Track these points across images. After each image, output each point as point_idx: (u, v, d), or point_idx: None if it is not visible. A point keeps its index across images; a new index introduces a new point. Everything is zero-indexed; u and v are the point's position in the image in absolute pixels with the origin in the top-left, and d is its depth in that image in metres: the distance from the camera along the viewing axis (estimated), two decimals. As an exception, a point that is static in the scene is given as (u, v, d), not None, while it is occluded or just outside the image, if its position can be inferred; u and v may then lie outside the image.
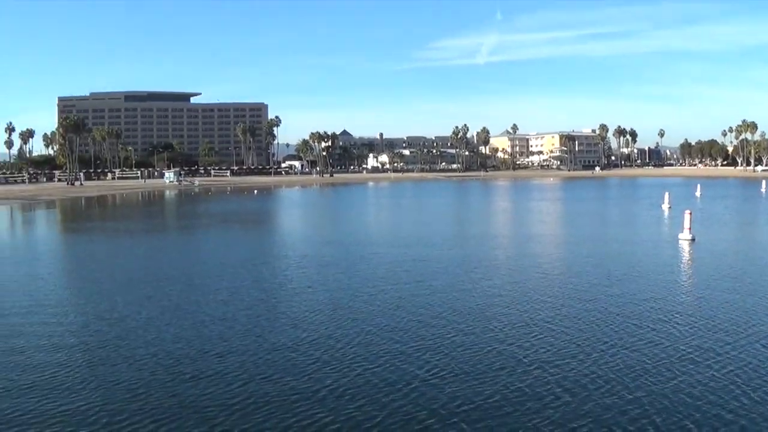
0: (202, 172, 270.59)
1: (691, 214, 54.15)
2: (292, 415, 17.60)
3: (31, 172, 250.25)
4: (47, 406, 18.37)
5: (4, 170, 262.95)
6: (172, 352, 23.33)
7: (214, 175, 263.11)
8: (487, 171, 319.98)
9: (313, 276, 39.23)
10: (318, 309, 29.83)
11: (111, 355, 23.24)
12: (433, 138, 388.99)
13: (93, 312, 30.19)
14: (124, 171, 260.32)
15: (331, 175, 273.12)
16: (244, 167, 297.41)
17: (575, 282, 36.15)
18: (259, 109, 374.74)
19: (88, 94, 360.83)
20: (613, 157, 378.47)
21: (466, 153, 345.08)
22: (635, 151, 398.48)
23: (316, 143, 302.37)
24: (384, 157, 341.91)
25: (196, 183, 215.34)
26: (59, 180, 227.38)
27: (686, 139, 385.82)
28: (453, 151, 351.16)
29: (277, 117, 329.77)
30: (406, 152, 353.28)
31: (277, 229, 79.56)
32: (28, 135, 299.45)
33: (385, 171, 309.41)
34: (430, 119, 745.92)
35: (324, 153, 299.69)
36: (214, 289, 35.45)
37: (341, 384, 19.87)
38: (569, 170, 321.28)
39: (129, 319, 28.46)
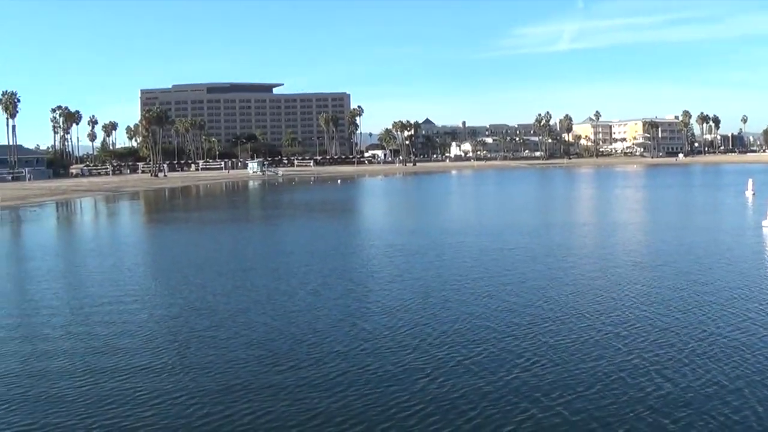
0: (286, 162, 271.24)
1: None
2: (394, 403, 17.52)
3: (115, 164, 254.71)
4: (141, 394, 18.52)
5: (88, 162, 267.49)
6: (265, 343, 23.38)
7: (298, 165, 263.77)
8: (570, 158, 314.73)
9: (402, 265, 39.08)
10: (410, 298, 29.72)
11: (203, 346, 23.29)
12: (516, 126, 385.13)
13: (183, 303, 30.48)
14: (208, 162, 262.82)
15: (414, 164, 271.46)
16: (327, 157, 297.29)
17: (665, 270, 35.62)
18: (342, 99, 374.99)
19: (170, 87, 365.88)
20: (696, 144, 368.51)
21: (549, 140, 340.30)
22: (718, 137, 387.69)
23: (398, 132, 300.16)
24: (467, 146, 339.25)
25: (280, 173, 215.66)
26: (143, 171, 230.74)
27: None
28: (536, 138, 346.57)
29: (359, 107, 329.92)
30: (489, 140, 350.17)
31: (363, 218, 79.46)
32: (111, 127, 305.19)
33: (467, 159, 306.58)
34: (512, 107, 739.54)
35: (407, 142, 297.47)
36: (303, 278, 35.52)
37: (441, 373, 19.64)
38: (652, 157, 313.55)
39: (220, 310, 28.65)
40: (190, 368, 20.69)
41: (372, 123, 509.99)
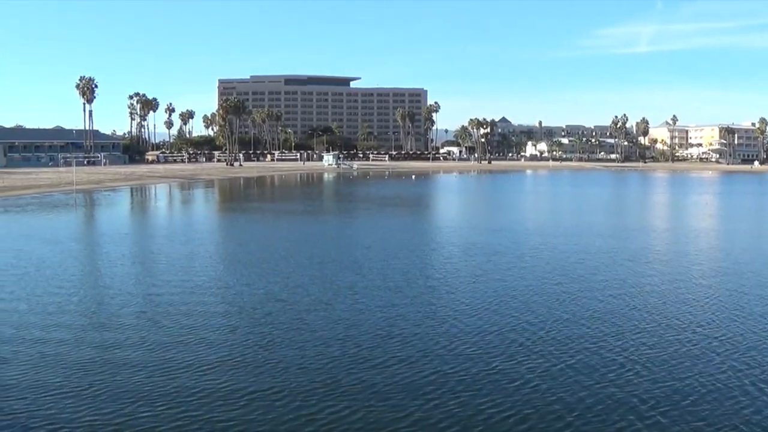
0: (361, 156, 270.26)
1: None
2: (486, 408, 17.22)
3: (191, 152, 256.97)
4: (229, 384, 18.59)
5: (164, 150, 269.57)
6: (349, 339, 23.13)
7: (373, 159, 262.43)
8: (645, 162, 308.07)
9: (483, 265, 38.54)
10: (493, 300, 29.18)
11: (286, 340, 23.09)
12: (592, 127, 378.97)
13: (263, 294, 30.41)
14: (284, 153, 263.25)
15: (489, 162, 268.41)
16: (403, 152, 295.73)
17: (751, 279, 34.82)
18: (419, 95, 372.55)
19: (248, 77, 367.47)
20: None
21: (625, 143, 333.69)
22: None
23: (474, 129, 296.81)
24: (542, 145, 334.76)
25: (355, 166, 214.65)
26: (218, 160, 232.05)
27: None
28: (612, 140, 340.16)
29: (436, 103, 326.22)
30: (565, 141, 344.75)
31: (438, 215, 78.96)
32: (188, 116, 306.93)
33: (543, 159, 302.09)
34: (589, 108, 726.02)
35: (483, 139, 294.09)
36: (384, 274, 35.19)
37: (531, 380, 19.27)
38: (728, 164, 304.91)
39: (301, 303, 28.49)
40: (274, 363, 20.50)
41: (448, 119, 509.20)
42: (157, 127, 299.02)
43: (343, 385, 18.54)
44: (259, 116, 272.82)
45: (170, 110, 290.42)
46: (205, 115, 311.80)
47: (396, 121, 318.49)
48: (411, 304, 27.98)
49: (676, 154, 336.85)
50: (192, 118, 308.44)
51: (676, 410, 17.00)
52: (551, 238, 50.29)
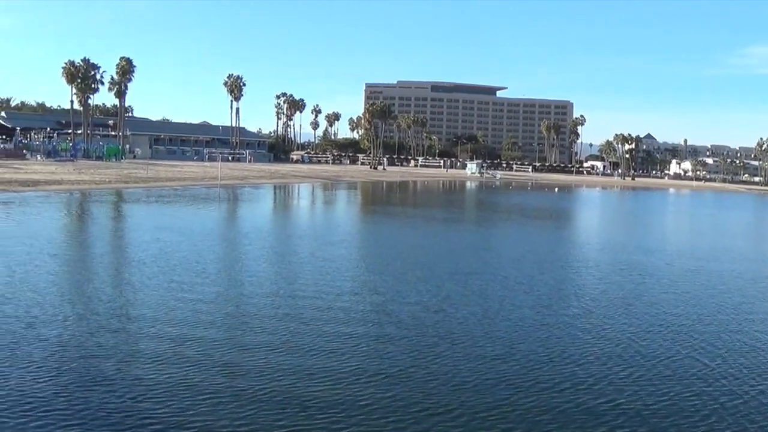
0: (504, 165, 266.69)
1: None
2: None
3: (335, 153, 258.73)
4: (374, 396, 17.63)
5: (309, 150, 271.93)
6: (510, 355, 21.80)
7: (516, 170, 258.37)
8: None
9: (637, 287, 35.87)
10: (655, 322, 27.08)
11: (439, 351, 21.88)
12: (737, 148, 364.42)
13: (414, 302, 29.12)
14: (427, 159, 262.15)
15: (633, 179, 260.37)
16: (546, 164, 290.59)
17: None
18: (565, 107, 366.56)
19: (395, 82, 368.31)
20: None
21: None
22: None
23: (619, 145, 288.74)
24: (687, 164, 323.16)
25: (498, 176, 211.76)
26: (362, 163, 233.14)
27: None
28: (756, 163, 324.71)
29: (582, 116, 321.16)
30: (709, 161, 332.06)
31: (583, 230, 76.25)
32: (334, 118, 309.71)
33: (686, 178, 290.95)
34: (734, 128, 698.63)
35: (627, 155, 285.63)
36: (533, 290, 33.40)
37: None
38: None
39: (450, 316, 26.94)
40: (425, 378, 19.22)
41: (592, 133, 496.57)
42: (302, 127, 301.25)
43: (504, 407, 17.27)
44: (404, 121, 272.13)
45: (316, 111, 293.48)
46: (351, 118, 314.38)
47: (541, 133, 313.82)
48: (569, 325, 26.11)
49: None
50: (338, 120, 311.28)
51: None
52: (705, 263, 46.70)
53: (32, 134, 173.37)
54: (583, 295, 32.37)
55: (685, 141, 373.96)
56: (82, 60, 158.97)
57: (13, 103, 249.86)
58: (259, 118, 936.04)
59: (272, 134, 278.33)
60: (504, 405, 17.41)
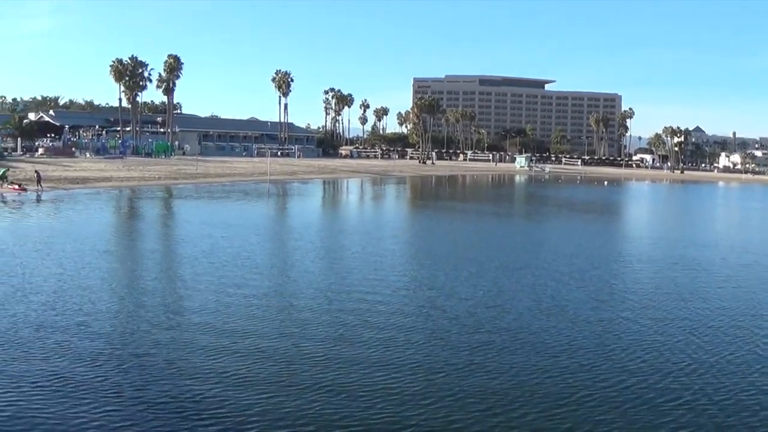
0: (553, 159, 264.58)
1: None
2: None
3: (384, 148, 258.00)
4: (431, 386, 17.30)
5: (357, 145, 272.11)
6: (571, 349, 21.31)
7: (565, 163, 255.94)
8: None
9: (692, 282, 34.98)
10: (708, 320, 26.18)
11: (496, 344, 21.58)
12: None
13: (468, 296, 28.78)
14: (476, 153, 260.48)
15: (682, 172, 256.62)
16: (595, 157, 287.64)
17: None
18: (613, 100, 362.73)
19: (443, 77, 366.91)
20: None
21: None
22: None
23: (668, 138, 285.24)
24: (736, 157, 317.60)
25: (547, 170, 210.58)
26: (411, 158, 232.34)
27: None
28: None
29: (630, 109, 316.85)
30: (758, 153, 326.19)
31: (635, 224, 74.88)
32: (382, 113, 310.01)
33: (736, 171, 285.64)
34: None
35: (676, 149, 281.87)
36: (587, 284, 32.89)
37: None
38: None
39: (507, 309, 26.55)
40: (481, 374, 18.73)
41: (641, 126, 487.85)
42: (351, 122, 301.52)
43: (567, 404, 16.75)
44: (452, 115, 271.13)
45: (365, 106, 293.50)
46: (399, 113, 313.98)
47: (590, 126, 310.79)
48: (626, 320, 25.57)
49: None
50: (386, 115, 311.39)
51: None
52: (759, 257, 45.30)
53: (81, 132, 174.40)
54: (637, 291, 31.61)
55: (734, 134, 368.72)
56: (129, 58, 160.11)
57: (61, 102, 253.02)
58: (308, 113, 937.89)
59: (321, 129, 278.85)
60: (567, 403, 16.99)
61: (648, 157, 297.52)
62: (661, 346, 22.06)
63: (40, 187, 74.65)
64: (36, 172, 79.49)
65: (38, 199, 66.92)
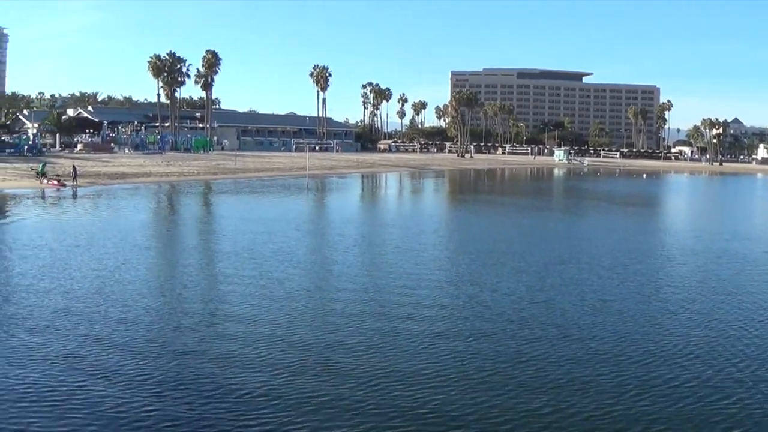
0: (592, 152, 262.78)
1: None
2: None
3: (422, 142, 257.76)
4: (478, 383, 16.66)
5: (396, 139, 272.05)
6: (611, 350, 20.71)
7: (604, 156, 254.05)
8: None
9: (727, 274, 34.23)
10: (756, 315, 25.43)
11: (541, 342, 21.12)
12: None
13: (511, 291, 28.56)
14: (514, 146, 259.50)
15: (721, 164, 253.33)
16: (634, 150, 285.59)
17: None
18: (651, 92, 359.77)
19: (480, 70, 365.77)
20: None
21: None
22: None
23: (707, 130, 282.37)
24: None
25: (585, 163, 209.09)
26: (449, 151, 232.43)
27: None
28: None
29: (669, 101, 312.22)
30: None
31: (677, 216, 73.80)
32: (420, 107, 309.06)
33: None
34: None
35: (714, 140, 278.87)
36: (626, 278, 32.40)
37: None
38: None
39: (550, 306, 26.13)
40: (527, 371, 18.35)
41: (680, 118, 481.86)
42: (389, 116, 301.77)
43: (621, 407, 16.15)
44: (491, 109, 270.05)
45: (403, 100, 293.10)
46: (437, 107, 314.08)
47: (628, 119, 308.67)
48: (673, 314, 25.09)
49: None
50: (424, 108, 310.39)
51: None
52: None
53: (120, 128, 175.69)
54: (682, 285, 31.02)
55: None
56: (167, 54, 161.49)
57: (100, 98, 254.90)
58: (346, 108, 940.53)
59: (359, 124, 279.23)
60: (620, 399, 16.65)
61: (687, 150, 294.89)
62: (712, 340, 21.58)
63: (75, 182, 75.47)
64: (73, 167, 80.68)
65: (74, 195, 67.43)
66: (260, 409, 15.38)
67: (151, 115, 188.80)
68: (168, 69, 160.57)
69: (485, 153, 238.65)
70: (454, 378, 17.53)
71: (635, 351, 20.34)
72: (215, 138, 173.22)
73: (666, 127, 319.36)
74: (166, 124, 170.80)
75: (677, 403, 16.49)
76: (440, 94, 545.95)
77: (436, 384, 17.10)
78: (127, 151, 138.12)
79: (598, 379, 17.86)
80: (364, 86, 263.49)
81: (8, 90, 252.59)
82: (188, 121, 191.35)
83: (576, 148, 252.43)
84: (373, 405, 15.72)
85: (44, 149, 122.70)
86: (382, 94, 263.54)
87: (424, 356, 19.14)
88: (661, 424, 15.36)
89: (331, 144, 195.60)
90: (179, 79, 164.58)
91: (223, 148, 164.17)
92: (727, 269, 35.50)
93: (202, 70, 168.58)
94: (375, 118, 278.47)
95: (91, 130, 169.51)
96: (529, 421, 15.23)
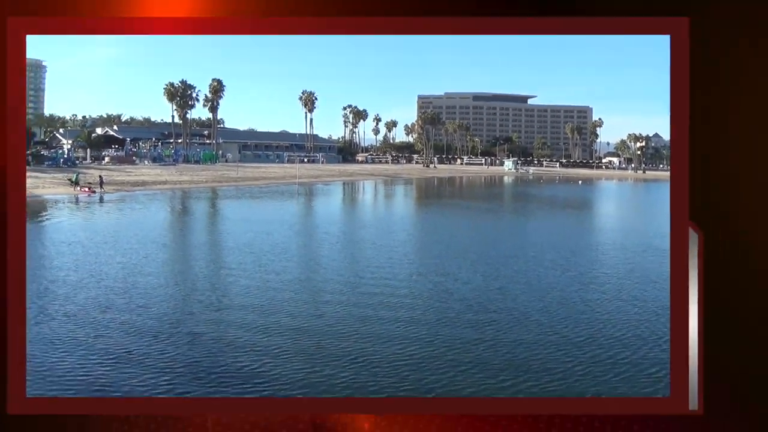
0: (536, 162, 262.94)
1: None
2: None
3: (394, 154, 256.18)
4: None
5: (371, 152, 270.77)
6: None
7: (546, 166, 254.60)
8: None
9: (656, 268, 32.17)
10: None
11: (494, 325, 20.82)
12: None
13: (464, 279, 28.34)
14: (471, 158, 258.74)
15: (644, 172, 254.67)
16: (571, 160, 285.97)
17: None
18: (585, 112, 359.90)
19: (442, 94, 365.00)
20: None
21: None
22: None
23: (632, 143, 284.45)
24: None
25: (530, 171, 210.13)
26: (416, 162, 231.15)
27: None
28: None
29: (600, 119, 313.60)
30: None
31: (605, 217, 72.15)
32: (392, 125, 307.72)
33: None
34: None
35: (639, 152, 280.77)
36: (567, 269, 32.18)
37: None
38: None
39: (503, 291, 26.14)
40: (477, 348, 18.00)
41: (608, 133, 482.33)
42: (366, 133, 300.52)
43: None
44: (451, 127, 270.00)
45: (377, 120, 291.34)
46: (406, 125, 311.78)
47: (566, 134, 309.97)
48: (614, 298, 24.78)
49: None
50: (395, 126, 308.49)
51: None
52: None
53: (140, 143, 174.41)
54: (614, 275, 30.87)
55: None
56: (180, 82, 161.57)
57: (123, 119, 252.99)
58: (330, 126, 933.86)
59: (341, 139, 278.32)
60: (562, 379, 16.30)
61: (615, 160, 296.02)
62: (643, 319, 21.28)
63: (102, 189, 75.61)
64: (99, 176, 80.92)
65: (101, 200, 67.21)
66: (248, 381, 15.18)
67: (166, 132, 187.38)
68: (180, 94, 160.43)
69: (447, 164, 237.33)
70: (417, 355, 17.28)
71: (575, 332, 20.03)
72: (220, 152, 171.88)
73: (598, 141, 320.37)
74: (179, 141, 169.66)
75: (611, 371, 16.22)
76: (408, 115, 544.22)
77: (402, 360, 16.86)
78: (146, 163, 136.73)
79: (547, 357, 17.55)
80: (344, 108, 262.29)
81: (47, 112, 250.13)
82: (198, 137, 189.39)
83: (522, 159, 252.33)
84: (346, 378, 15.50)
85: (77, 162, 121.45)
86: (359, 115, 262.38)
87: (398, 338, 18.83)
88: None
89: (317, 156, 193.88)
90: (190, 102, 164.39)
91: (227, 161, 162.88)
92: (650, 261, 35.25)
93: (209, 95, 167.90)
94: (354, 135, 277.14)
95: (117, 146, 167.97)
96: (493, 393, 15.00)
